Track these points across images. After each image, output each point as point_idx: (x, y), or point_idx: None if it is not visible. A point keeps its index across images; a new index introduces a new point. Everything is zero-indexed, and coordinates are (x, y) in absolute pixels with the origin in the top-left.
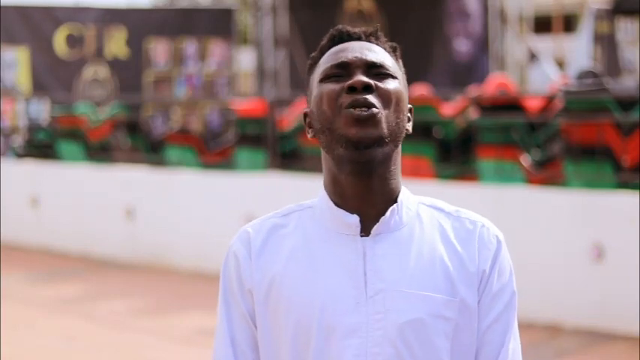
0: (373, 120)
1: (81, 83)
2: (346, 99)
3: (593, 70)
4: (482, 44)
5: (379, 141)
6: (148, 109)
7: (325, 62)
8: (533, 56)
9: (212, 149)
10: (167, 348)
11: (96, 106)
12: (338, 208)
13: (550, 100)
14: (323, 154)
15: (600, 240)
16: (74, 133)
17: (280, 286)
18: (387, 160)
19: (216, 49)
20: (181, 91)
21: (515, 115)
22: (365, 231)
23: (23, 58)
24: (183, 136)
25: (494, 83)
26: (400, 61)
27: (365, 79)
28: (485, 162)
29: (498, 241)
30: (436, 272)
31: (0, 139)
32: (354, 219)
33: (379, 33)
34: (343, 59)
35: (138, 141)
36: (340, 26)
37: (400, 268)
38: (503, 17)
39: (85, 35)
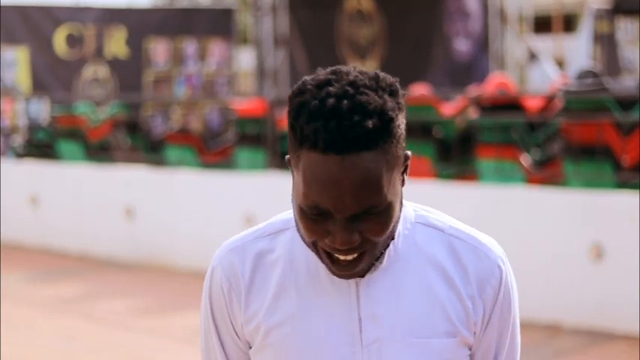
0: (358, 261)
1: (81, 83)
2: (325, 245)
3: (593, 70)
4: (482, 44)
5: (367, 269)
6: (148, 108)
7: (305, 179)
8: (533, 56)
9: (212, 149)
10: (167, 348)
11: (96, 106)
12: None
13: (550, 99)
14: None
15: (600, 240)
16: (74, 132)
17: (268, 331)
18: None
19: (216, 48)
20: (181, 91)
21: (515, 114)
22: None
23: (23, 58)
24: (183, 135)
25: (494, 83)
26: (400, 128)
27: (348, 245)
28: (485, 162)
29: (501, 271)
30: (435, 313)
31: (0, 139)
32: None
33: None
34: (322, 206)
35: (138, 141)
36: (329, 129)
37: (397, 314)
38: (503, 17)
39: (84, 35)
